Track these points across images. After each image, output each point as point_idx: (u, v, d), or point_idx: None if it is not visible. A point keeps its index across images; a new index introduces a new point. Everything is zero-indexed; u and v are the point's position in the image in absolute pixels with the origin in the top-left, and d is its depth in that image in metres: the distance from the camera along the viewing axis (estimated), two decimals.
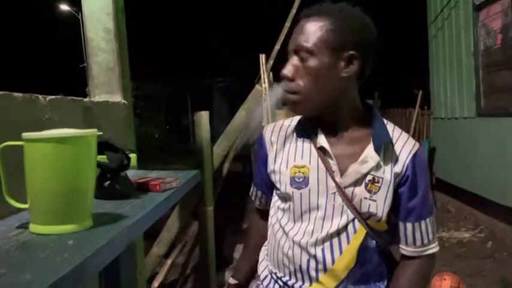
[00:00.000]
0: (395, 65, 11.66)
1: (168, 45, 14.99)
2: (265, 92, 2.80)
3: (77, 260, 0.57)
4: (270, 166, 1.10)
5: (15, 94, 0.91)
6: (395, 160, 1.03)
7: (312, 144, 1.05)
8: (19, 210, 0.78)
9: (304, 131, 1.07)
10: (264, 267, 1.18)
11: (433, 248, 1.08)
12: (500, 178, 3.73)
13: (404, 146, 1.05)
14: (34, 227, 0.69)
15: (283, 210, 1.08)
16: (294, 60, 0.99)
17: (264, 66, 2.91)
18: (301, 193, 1.03)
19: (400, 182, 1.04)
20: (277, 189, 1.09)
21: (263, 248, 1.22)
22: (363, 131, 1.03)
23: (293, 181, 1.04)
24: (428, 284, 1.13)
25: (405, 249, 1.07)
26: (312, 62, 0.97)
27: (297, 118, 1.13)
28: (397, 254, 1.14)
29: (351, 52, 0.96)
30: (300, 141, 1.07)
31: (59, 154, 0.67)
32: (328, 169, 1.01)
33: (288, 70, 0.99)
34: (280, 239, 1.08)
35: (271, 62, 2.95)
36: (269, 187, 1.16)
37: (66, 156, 0.67)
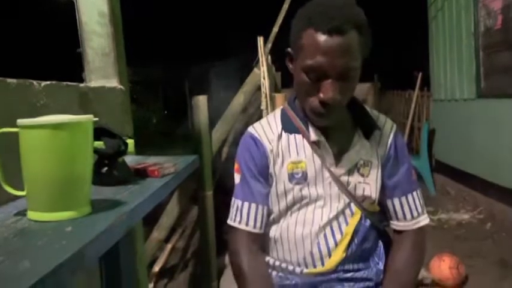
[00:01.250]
0: (395, 47, 11.57)
1: (165, 29, 14.82)
2: (263, 76, 2.77)
3: (75, 247, 0.56)
4: (271, 165, 1.06)
5: (9, 80, 0.89)
6: (379, 142, 1.08)
7: (305, 139, 1.05)
8: (17, 197, 0.77)
9: (293, 125, 1.07)
10: None
11: (424, 220, 1.12)
12: (500, 159, 3.73)
13: (385, 127, 1.10)
14: (32, 214, 0.69)
15: (279, 209, 1.07)
16: (335, 84, 0.92)
17: (262, 49, 2.87)
18: (301, 188, 1.04)
19: (384, 161, 1.08)
20: (272, 188, 1.07)
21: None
22: (348, 117, 1.06)
23: (292, 177, 1.04)
24: (425, 254, 1.15)
25: (397, 225, 1.11)
26: (356, 77, 0.95)
27: (278, 114, 1.11)
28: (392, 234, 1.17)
29: (365, 54, 0.96)
30: (291, 137, 1.06)
31: (55, 140, 0.66)
32: (323, 161, 1.02)
33: (336, 97, 0.93)
34: (277, 237, 1.08)
35: (269, 45, 2.92)
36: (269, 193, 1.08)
37: (62, 143, 0.66)
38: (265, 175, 1.07)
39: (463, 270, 2.58)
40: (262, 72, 2.80)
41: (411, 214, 1.10)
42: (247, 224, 1.06)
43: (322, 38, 0.89)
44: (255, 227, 1.07)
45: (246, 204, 1.07)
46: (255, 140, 1.07)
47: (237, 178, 1.10)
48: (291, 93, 1.11)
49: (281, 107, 1.14)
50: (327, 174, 1.04)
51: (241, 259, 1.04)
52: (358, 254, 1.07)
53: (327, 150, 1.03)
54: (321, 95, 0.93)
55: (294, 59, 0.99)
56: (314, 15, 0.91)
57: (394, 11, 10.88)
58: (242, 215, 1.07)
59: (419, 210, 1.11)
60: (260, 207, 1.06)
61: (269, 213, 1.10)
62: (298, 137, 1.06)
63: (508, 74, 3.62)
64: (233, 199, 1.11)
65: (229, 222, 1.10)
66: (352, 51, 0.91)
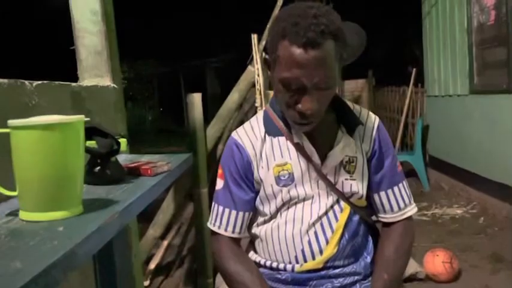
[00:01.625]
0: (389, 43, 11.58)
1: (160, 25, 14.76)
2: (258, 73, 2.78)
3: (67, 247, 0.57)
4: (255, 171, 1.08)
5: (0, 80, 0.89)
6: (363, 137, 1.09)
7: (288, 140, 1.05)
8: (9, 197, 0.78)
9: (275, 128, 1.07)
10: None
11: (411, 210, 1.13)
12: (492, 154, 3.76)
13: (368, 121, 1.10)
14: (24, 214, 0.69)
15: (269, 211, 1.08)
16: (313, 95, 0.93)
17: (256, 47, 2.87)
18: (288, 189, 1.05)
19: (369, 156, 1.09)
20: (260, 192, 1.08)
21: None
22: (330, 115, 1.06)
23: (279, 180, 1.05)
24: (413, 242, 1.16)
25: (385, 217, 1.12)
26: (334, 85, 0.95)
27: (261, 117, 1.11)
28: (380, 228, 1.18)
29: (344, 56, 0.96)
30: (274, 140, 1.07)
31: (46, 141, 0.66)
32: (309, 160, 1.03)
33: (314, 107, 0.94)
34: (268, 237, 1.09)
35: (263, 42, 2.92)
36: (255, 198, 1.10)
37: (53, 143, 0.67)
38: (249, 182, 1.08)
39: (457, 265, 2.61)
40: (257, 70, 2.80)
41: (398, 206, 1.11)
42: (226, 230, 1.10)
43: (297, 51, 0.89)
44: (233, 232, 1.10)
45: (227, 210, 1.10)
46: (239, 147, 1.08)
47: (219, 183, 1.11)
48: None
49: (264, 108, 1.15)
50: (313, 173, 1.05)
51: (226, 261, 1.08)
52: (348, 250, 1.08)
53: (311, 150, 1.04)
54: (300, 106, 0.94)
55: (272, 67, 0.99)
56: (288, 27, 0.90)
57: (388, 7, 10.89)
58: (222, 221, 1.10)
59: (406, 201, 1.12)
60: (240, 213, 1.09)
61: (254, 216, 1.13)
62: (282, 139, 1.06)
63: (500, 70, 3.65)
64: (214, 204, 1.13)
65: (209, 225, 1.13)
66: (329, 61, 0.91)
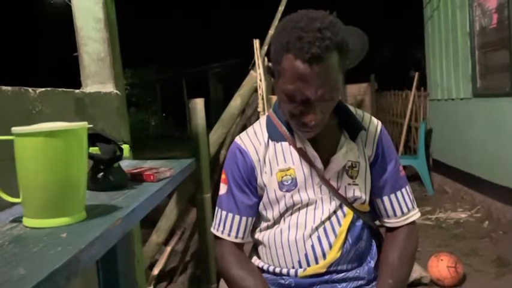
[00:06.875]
0: (392, 47, 11.59)
1: (163, 31, 14.83)
2: (260, 78, 2.78)
3: (70, 253, 0.57)
4: (259, 177, 1.08)
5: (4, 87, 0.90)
6: (366, 142, 1.09)
7: (291, 145, 1.06)
8: (13, 204, 0.78)
9: (278, 133, 1.08)
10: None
11: (415, 215, 1.13)
12: (496, 158, 3.74)
13: (370, 126, 1.10)
14: (27, 221, 0.70)
15: (272, 216, 1.08)
16: (317, 106, 0.93)
17: (258, 52, 2.88)
18: (292, 194, 1.05)
19: (372, 161, 1.09)
20: (263, 197, 1.08)
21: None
22: (333, 120, 1.07)
23: (282, 185, 1.05)
24: (417, 248, 1.16)
25: (388, 222, 1.12)
26: (337, 95, 0.96)
27: (264, 122, 1.12)
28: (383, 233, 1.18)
29: (347, 63, 0.97)
30: (278, 145, 1.07)
31: (49, 148, 0.67)
32: (312, 165, 1.03)
33: (318, 118, 0.94)
34: (271, 242, 1.09)
35: (265, 47, 2.93)
36: (258, 204, 1.10)
37: (56, 150, 0.67)
38: (252, 187, 1.08)
39: (461, 269, 2.59)
40: (259, 75, 2.81)
41: (401, 211, 1.11)
42: (229, 235, 1.10)
43: (301, 66, 0.89)
44: (237, 237, 1.10)
45: (230, 215, 1.10)
46: (242, 152, 1.08)
47: (223, 188, 1.12)
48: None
49: (266, 114, 1.15)
50: (316, 178, 1.05)
51: (230, 266, 1.08)
52: (352, 254, 1.08)
53: (313, 155, 1.04)
54: (304, 118, 0.94)
55: (276, 77, 0.99)
56: (292, 41, 0.89)
57: (390, 11, 10.91)
58: (225, 226, 1.10)
59: (409, 205, 1.12)
60: (244, 218, 1.09)
61: (257, 222, 1.13)
62: (285, 144, 1.07)
63: (503, 73, 3.64)
64: (217, 209, 1.13)
65: (213, 230, 1.13)
66: (333, 74, 0.91)
